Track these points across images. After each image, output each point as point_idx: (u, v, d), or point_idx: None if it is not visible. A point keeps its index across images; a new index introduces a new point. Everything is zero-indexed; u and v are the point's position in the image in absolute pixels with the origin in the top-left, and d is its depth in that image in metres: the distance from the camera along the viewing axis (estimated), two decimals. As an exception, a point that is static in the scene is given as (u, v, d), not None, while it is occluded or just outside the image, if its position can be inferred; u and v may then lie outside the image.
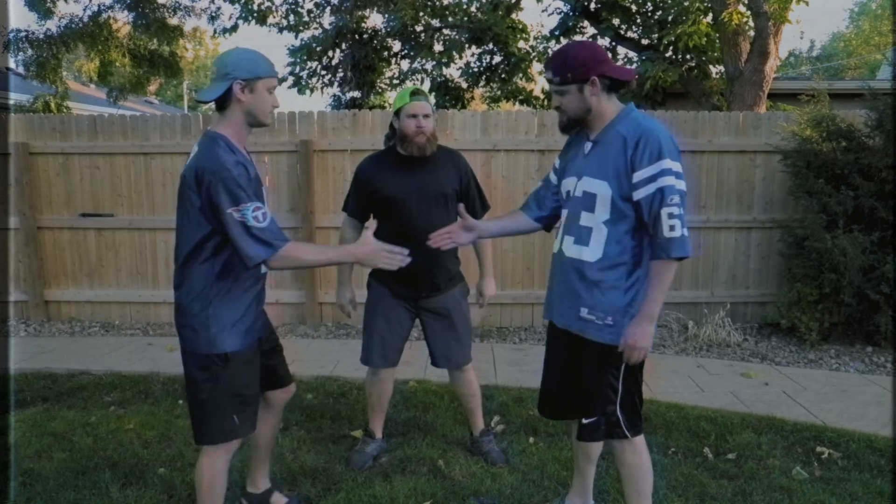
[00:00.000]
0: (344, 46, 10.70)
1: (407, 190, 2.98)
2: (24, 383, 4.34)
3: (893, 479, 3.04)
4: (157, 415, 3.77)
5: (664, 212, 2.06)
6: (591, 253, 2.20)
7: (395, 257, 2.24)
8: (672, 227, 2.06)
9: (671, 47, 9.02)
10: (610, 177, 2.15)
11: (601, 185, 2.17)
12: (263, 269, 2.29)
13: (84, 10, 9.40)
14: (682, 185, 2.09)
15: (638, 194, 2.10)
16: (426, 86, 11.13)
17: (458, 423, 3.60)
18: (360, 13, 10.58)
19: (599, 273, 2.19)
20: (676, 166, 2.09)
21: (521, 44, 10.70)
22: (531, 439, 3.44)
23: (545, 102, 10.88)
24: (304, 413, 3.79)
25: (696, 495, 2.87)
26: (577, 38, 10.37)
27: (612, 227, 2.17)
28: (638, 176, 2.09)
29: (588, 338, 2.24)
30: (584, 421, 2.26)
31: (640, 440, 2.31)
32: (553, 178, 2.45)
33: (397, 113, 2.97)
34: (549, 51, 10.84)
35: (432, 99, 3.04)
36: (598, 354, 2.23)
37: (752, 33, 7.61)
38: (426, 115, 2.95)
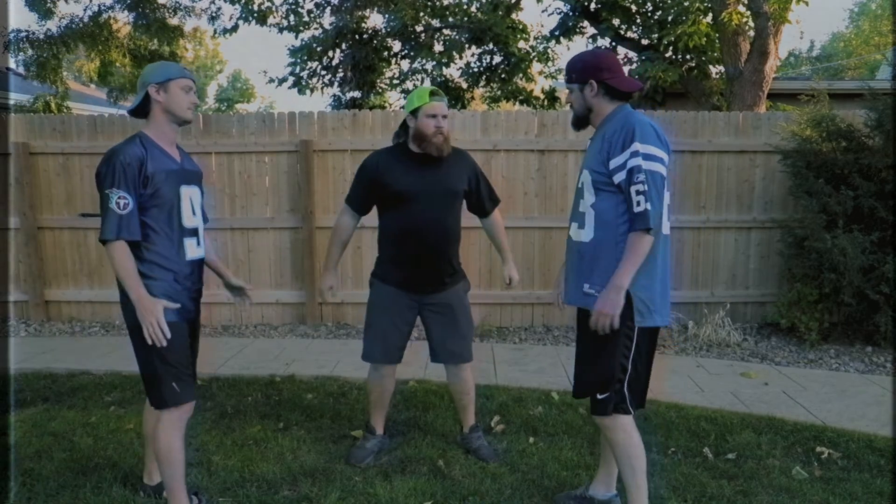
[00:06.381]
0: (344, 46, 10.70)
1: (418, 187, 2.97)
2: (24, 383, 4.34)
3: (893, 479, 3.04)
4: (157, 415, 3.77)
5: (632, 189, 2.25)
6: (586, 234, 2.41)
7: (157, 333, 2.30)
8: (639, 203, 2.23)
9: (671, 47, 9.03)
10: (591, 165, 2.38)
11: (584, 173, 2.42)
12: (192, 254, 2.52)
13: (84, 10, 9.41)
14: (651, 165, 2.25)
15: (616, 178, 2.30)
16: (426, 86, 11.13)
17: (458, 422, 3.60)
18: (360, 13, 10.58)
19: (594, 251, 2.37)
20: (648, 149, 2.26)
21: (521, 44, 10.70)
22: (531, 439, 3.45)
23: (545, 102, 10.88)
24: (304, 413, 3.79)
25: (696, 495, 2.88)
26: (577, 38, 10.39)
27: (597, 209, 2.36)
28: (613, 163, 2.30)
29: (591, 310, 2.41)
30: (599, 396, 2.41)
31: (630, 420, 2.46)
32: None
33: (414, 112, 2.95)
34: (549, 51, 10.86)
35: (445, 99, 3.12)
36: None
37: (751, 33, 7.61)
38: (445, 116, 2.96)
